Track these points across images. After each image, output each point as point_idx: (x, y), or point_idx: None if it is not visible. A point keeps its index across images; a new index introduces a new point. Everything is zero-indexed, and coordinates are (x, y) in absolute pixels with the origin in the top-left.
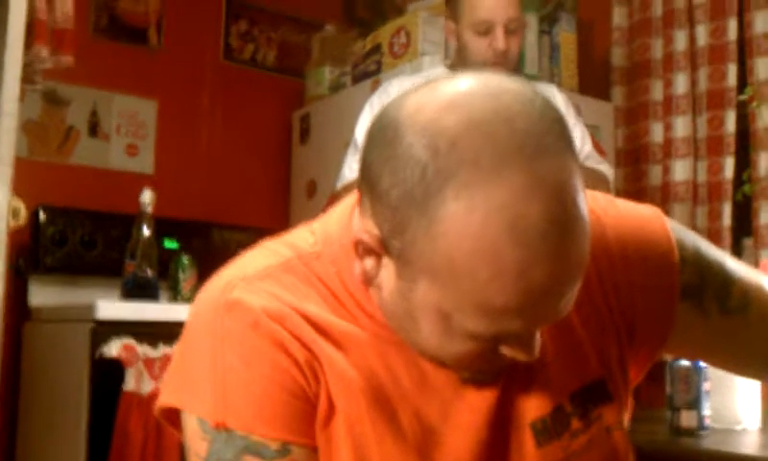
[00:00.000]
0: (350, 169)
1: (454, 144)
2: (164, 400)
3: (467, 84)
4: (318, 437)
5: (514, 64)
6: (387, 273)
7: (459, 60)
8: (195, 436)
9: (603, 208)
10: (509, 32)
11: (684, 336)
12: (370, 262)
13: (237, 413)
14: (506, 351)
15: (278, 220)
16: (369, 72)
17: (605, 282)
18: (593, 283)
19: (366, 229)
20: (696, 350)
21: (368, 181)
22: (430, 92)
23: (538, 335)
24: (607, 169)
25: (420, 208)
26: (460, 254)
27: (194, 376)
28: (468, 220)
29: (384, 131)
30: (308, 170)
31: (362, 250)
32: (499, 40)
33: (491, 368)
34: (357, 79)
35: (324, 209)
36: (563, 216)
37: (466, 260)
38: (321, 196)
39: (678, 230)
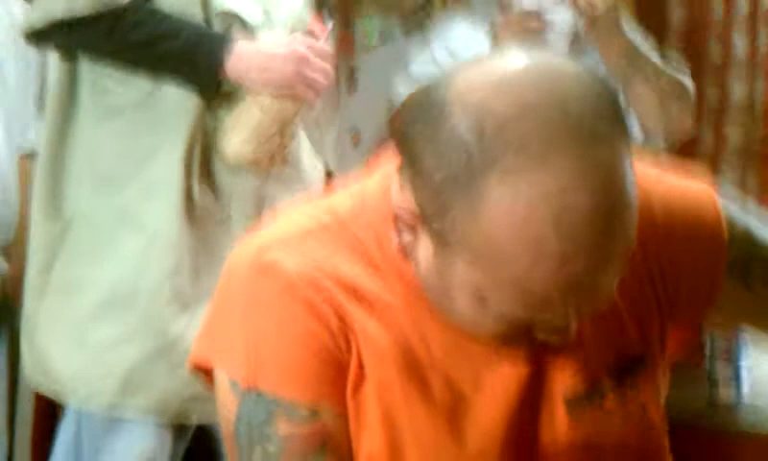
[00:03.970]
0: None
1: (502, 127)
2: (197, 356)
3: (520, 61)
4: (348, 403)
5: None
6: (425, 249)
7: None
8: (226, 395)
9: (652, 181)
10: None
11: (726, 311)
12: (407, 236)
13: (268, 376)
14: (540, 334)
15: None
16: (419, 24)
17: (649, 257)
18: (637, 258)
19: (405, 204)
20: (738, 321)
21: (409, 157)
22: (480, 69)
23: (574, 319)
24: (688, 81)
25: (462, 192)
26: (501, 242)
27: (227, 337)
28: (512, 208)
29: (430, 107)
30: (354, 120)
31: (401, 223)
32: None
33: (524, 344)
34: (408, 30)
35: (369, 160)
36: (610, 208)
37: (507, 248)
38: (366, 146)
39: (728, 207)
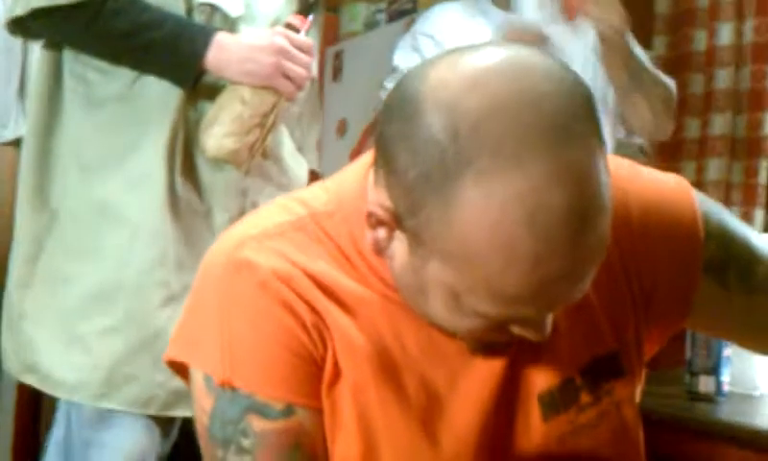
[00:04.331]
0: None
1: (476, 128)
2: (173, 352)
3: (494, 58)
4: (324, 400)
5: None
6: (399, 246)
7: None
8: (201, 392)
9: (627, 178)
10: None
11: (704, 312)
12: (382, 233)
13: (242, 373)
14: (516, 330)
15: None
16: (404, 10)
17: (625, 255)
18: (613, 255)
19: (379, 201)
20: (716, 325)
21: (384, 154)
22: (454, 65)
23: (549, 316)
24: (673, 85)
25: (437, 192)
26: (475, 242)
27: (201, 334)
28: (486, 208)
29: (404, 104)
30: (340, 108)
31: (374, 221)
32: None
33: (500, 340)
34: (392, 17)
35: (355, 148)
36: (583, 208)
37: (480, 248)
38: (351, 134)
39: (704, 203)
